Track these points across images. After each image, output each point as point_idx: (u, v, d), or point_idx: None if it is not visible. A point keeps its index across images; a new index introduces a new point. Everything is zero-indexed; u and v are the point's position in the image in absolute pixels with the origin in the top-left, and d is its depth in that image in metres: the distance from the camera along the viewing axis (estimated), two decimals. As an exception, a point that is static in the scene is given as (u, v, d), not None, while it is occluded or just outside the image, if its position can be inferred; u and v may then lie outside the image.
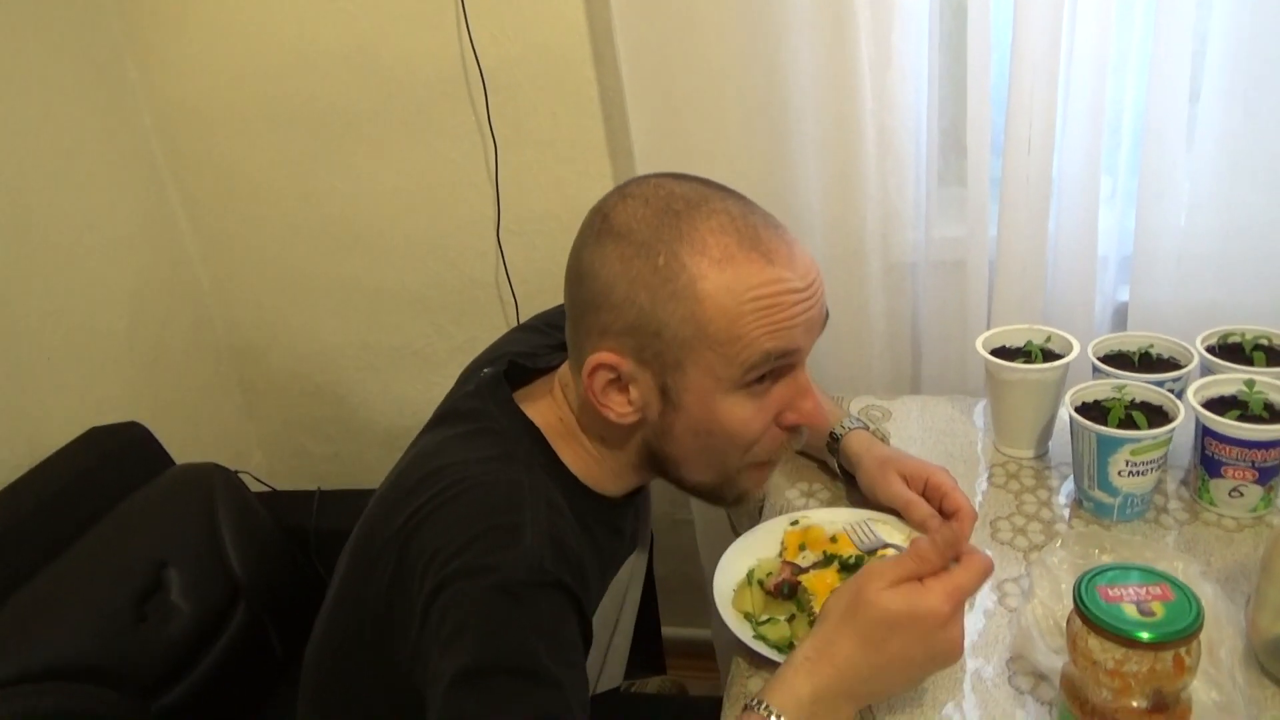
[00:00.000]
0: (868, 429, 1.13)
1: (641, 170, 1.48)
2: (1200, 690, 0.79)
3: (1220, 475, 1.01)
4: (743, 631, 0.91)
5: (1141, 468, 1.00)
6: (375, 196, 1.70)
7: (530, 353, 0.99)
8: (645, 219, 0.80)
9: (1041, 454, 1.16)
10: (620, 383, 0.83)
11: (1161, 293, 1.31)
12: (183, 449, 1.57)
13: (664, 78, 1.38)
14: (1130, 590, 0.71)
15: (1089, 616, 0.70)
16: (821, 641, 0.76)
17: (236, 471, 1.54)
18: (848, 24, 1.27)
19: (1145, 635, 0.67)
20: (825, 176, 1.37)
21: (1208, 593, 0.88)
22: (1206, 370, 1.10)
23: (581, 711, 0.73)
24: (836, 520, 1.04)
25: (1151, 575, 0.72)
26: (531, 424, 0.88)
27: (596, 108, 1.54)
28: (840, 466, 1.14)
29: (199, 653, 1.33)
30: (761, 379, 0.81)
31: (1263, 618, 0.83)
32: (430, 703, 0.72)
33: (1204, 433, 1.01)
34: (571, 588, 0.77)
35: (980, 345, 1.15)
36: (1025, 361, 1.11)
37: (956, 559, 0.76)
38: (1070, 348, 1.12)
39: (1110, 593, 0.71)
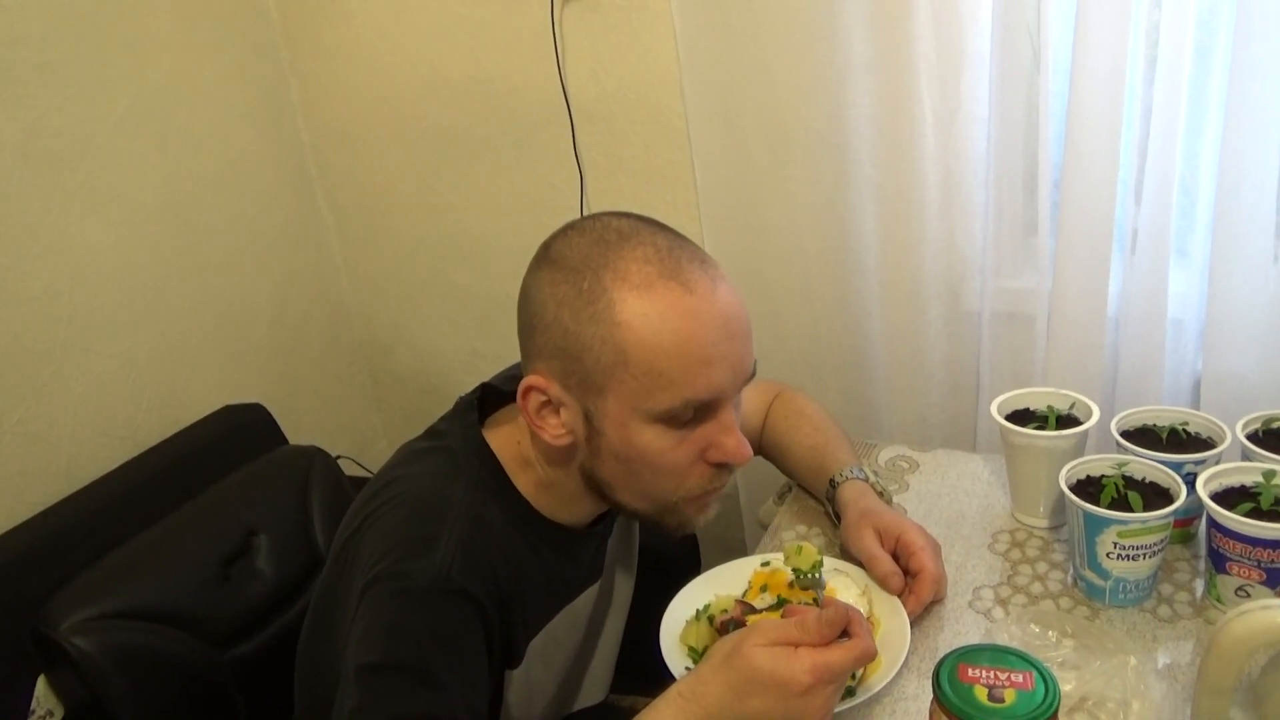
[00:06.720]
0: (866, 480, 1.11)
1: (705, 203, 1.52)
2: (1105, 793, 0.75)
3: (1226, 571, 0.92)
4: (676, 664, 0.94)
5: (1133, 552, 0.93)
6: (485, 213, 1.83)
7: (515, 376, 1.05)
8: (579, 247, 0.84)
9: (1057, 525, 1.10)
10: (552, 405, 0.87)
11: (1238, 364, 1.20)
12: (312, 432, 1.75)
13: (727, 116, 1.42)
14: (990, 673, 0.69)
15: (937, 693, 0.68)
16: (697, 682, 0.77)
17: (339, 456, 1.70)
18: (907, 69, 1.26)
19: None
20: (883, 219, 1.35)
21: (1156, 692, 0.82)
22: (1245, 456, 1.01)
23: (468, 714, 0.79)
24: (805, 566, 1.04)
25: (1022, 662, 0.70)
26: (486, 448, 0.93)
27: (685, 140, 1.59)
28: (836, 513, 1.13)
29: (273, 613, 1.48)
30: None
31: (1197, 728, 0.76)
32: (338, 693, 0.80)
33: (1209, 524, 0.93)
34: (479, 598, 0.83)
35: (996, 407, 1.11)
36: (1038, 427, 1.06)
37: (848, 634, 0.76)
38: (1092, 416, 1.06)
39: (970, 672, 0.69)
